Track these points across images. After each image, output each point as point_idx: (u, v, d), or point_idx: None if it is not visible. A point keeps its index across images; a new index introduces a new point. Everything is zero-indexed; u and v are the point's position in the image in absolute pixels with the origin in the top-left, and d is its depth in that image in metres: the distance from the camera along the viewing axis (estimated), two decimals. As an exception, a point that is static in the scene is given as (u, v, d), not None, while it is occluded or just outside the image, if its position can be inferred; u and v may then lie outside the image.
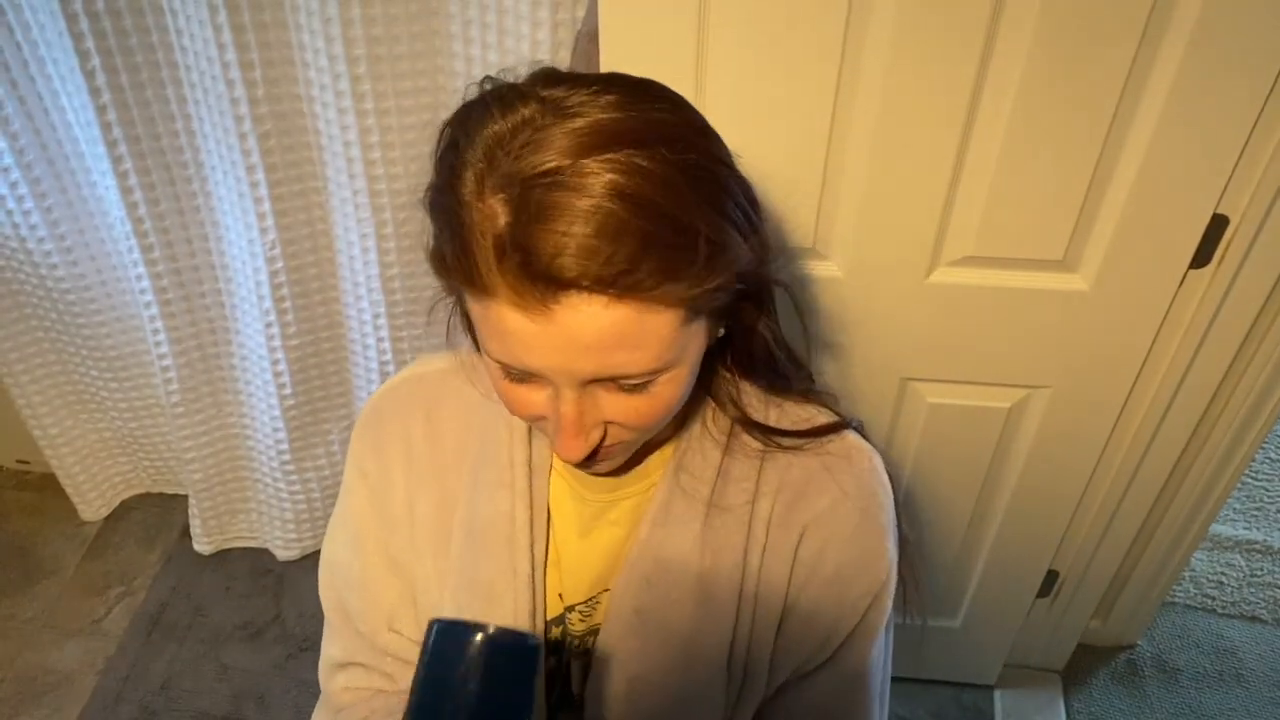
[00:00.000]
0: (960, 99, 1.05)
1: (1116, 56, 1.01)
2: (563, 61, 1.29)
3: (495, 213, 0.58)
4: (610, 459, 0.73)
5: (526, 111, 0.60)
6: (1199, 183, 1.10)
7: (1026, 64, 1.02)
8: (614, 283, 0.58)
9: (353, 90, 1.38)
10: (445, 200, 0.62)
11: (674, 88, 1.07)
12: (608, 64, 1.07)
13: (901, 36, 1.01)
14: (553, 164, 0.57)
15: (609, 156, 0.57)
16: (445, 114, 1.52)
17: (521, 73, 0.66)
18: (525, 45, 1.29)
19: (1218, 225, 1.16)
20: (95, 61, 1.42)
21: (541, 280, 0.57)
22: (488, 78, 0.66)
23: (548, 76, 0.63)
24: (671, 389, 0.67)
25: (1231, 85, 1.02)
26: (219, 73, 1.39)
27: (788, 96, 1.07)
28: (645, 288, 0.58)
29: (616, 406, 0.67)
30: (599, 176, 0.57)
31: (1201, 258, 1.19)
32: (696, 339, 0.67)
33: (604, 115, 0.59)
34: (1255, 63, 1.01)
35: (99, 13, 1.38)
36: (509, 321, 0.61)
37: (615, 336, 0.60)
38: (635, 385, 0.65)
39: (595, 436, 0.68)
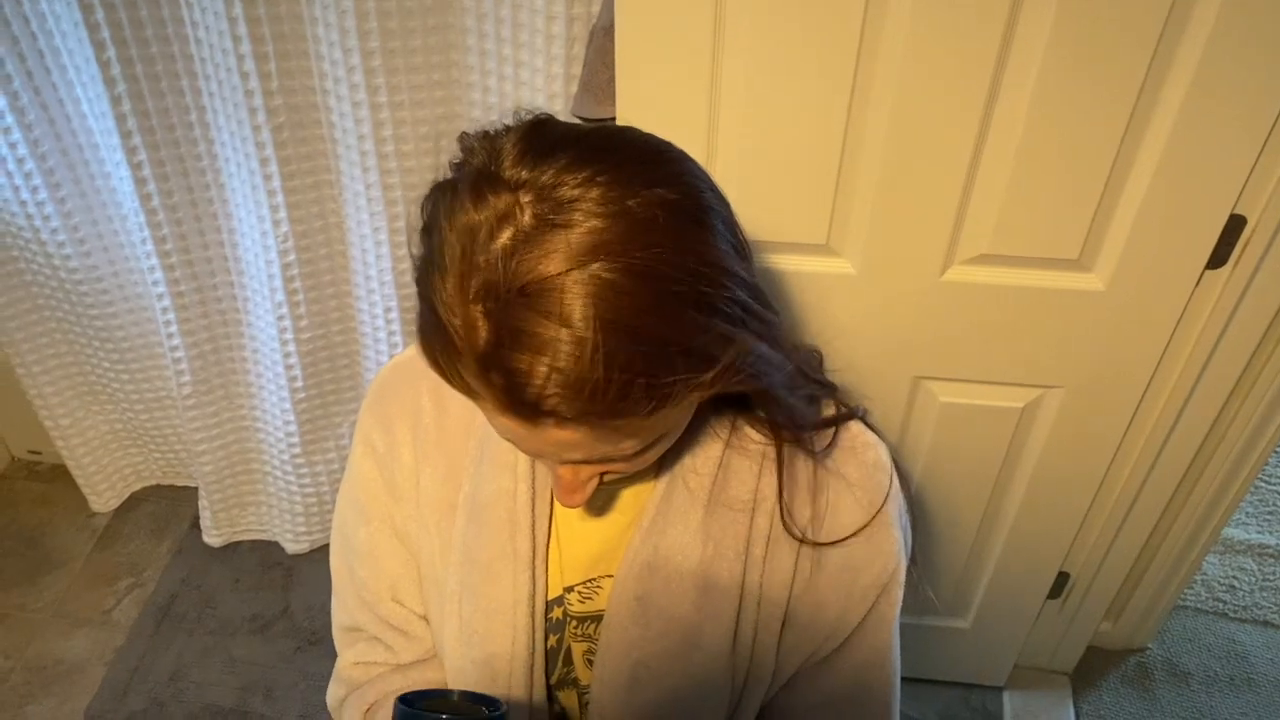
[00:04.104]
0: (977, 96, 1.05)
1: (1135, 54, 1.00)
2: (577, 57, 1.29)
3: (477, 325, 0.56)
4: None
5: (501, 205, 0.56)
6: (1216, 183, 1.10)
7: (1044, 61, 1.02)
8: (599, 414, 0.57)
9: (366, 83, 1.38)
10: (426, 292, 0.60)
11: (689, 84, 1.08)
12: (623, 59, 1.07)
13: (918, 33, 1.01)
14: (535, 281, 0.54)
15: (594, 274, 0.54)
16: (459, 108, 1.50)
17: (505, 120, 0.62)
18: (540, 39, 1.28)
19: (1235, 225, 1.15)
20: (110, 53, 1.43)
21: (525, 404, 0.57)
22: (464, 134, 0.62)
23: (527, 147, 0.58)
24: (664, 444, 0.70)
25: (1250, 84, 1.01)
26: (233, 65, 1.40)
27: (804, 91, 1.07)
28: (630, 415, 0.58)
29: (611, 462, 0.69)
30: (583, 301, 0.54)
31: (1218, 258, 1.18)
32: (688, 408, 0.69)
33: (592, 223, 0.55)
34: (1274, 62, 1.00)
35: (115, 4, 1.38)
36: (497, 419, 0.62)
37: (600, 442, 0.62)
38: None
39: (591, 487, 0.71)
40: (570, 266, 0.54)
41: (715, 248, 0.60)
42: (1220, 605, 2.03)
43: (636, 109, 1.11)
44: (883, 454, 0.83)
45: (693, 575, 0.79)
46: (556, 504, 0.84)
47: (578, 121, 1.28)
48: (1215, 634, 1.98)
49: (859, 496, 0.81)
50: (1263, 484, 2.29)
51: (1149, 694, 1.88)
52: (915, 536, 0.88)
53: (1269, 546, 2.14)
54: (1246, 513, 2.22)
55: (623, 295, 0.55)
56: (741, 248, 0.64)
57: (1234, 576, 2.09)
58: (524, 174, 0.57)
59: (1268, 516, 2.22)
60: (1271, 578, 2.08)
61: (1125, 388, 1.31)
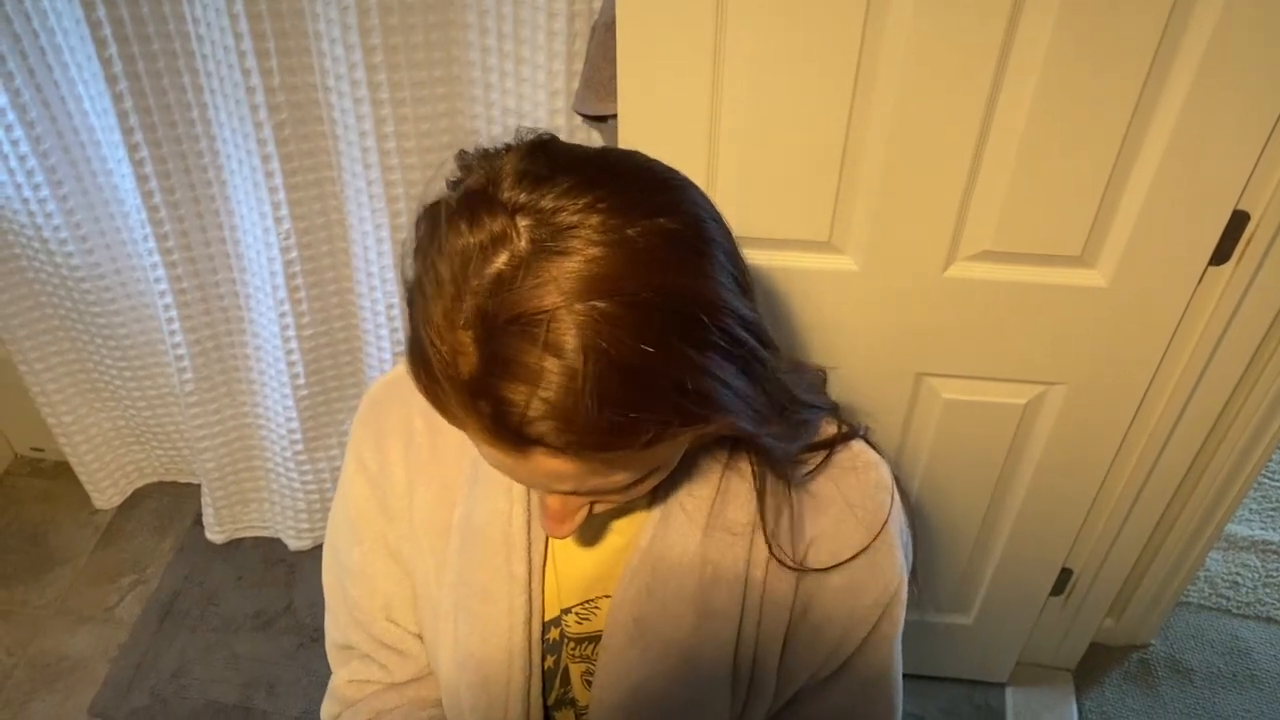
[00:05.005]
0: (979, 92, 1.04)
1: (1138, 50, 1.00)
2: (579, 53, 1.29)
3: (466, 351, 0.55)
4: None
5: (496, 228, 0.53)
6: (1219, 179, 1.09)
7: (1046, 57, 1.01)
8: (589, 447, 0.56)
9: (368, 80, 1.38)
10: (415, 314, 0.58)
11: (691, 80, 1.07)
12: (624, 54, 1.07)
13: (920, 28, 1.01)
14: (528, 310, 0.52)
15: (590, 305, 0.52)
16: (461, 104, 1.50)
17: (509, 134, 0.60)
18: (542, 36, 1.28)
19: (1238, 222, 1.15)
20: (112, 49, 1.42)
21: (513, 434, 0.55)
22: (462, 152, 0.60)
23: (527, 169, 0.56)
24: (656, 477, 0.68)
25: (1253, 80, 1.01)
26: (235, 62, 1.39)
27: (806, 87, 1.06)
28: (621, 448, 0.57)
29: (602, 495, 0.68)
30: (576, 332, 0.52)
31: (1221, 254, 1.18)
32: (682, 444, 0.68)
33: (590, 251, 0.53)
34: (1278, 58, 0.99)
35: (116, 1, 1.38)
36: (484, 449, 0.60)
37: (591, 474, 0.60)
38: None
39: (580, 517, 0.70)
40: (566, 296, 0.52)
41: (715, 280, 0.58)
42: (1223, 602, 2.03)
43: (638, 105, 1.11)
44: (885, 473, 0.82)
45: (691, 598, 0.79)
46: None
47: (580, 122, 1.28)
48: (1218, 630, 1.98)
49: (861, 518, 0.80)
50: (1266, 480, 2.28)
51: (1152, 690, 1.88)
52: (917, 538, 0.87)
53: (1272, 543, 2.14)
54: (1250, 509, 2.22)
55: (617, 327, 0.53)
56: (743, 280, 0.62)
57: (1237, 573, 2.08)
58: (522, 197, 0.55)
59: (1271, 513, 2.22)
60: (1275, 574, 2.08)
61: (1128, 384, 1.31)
